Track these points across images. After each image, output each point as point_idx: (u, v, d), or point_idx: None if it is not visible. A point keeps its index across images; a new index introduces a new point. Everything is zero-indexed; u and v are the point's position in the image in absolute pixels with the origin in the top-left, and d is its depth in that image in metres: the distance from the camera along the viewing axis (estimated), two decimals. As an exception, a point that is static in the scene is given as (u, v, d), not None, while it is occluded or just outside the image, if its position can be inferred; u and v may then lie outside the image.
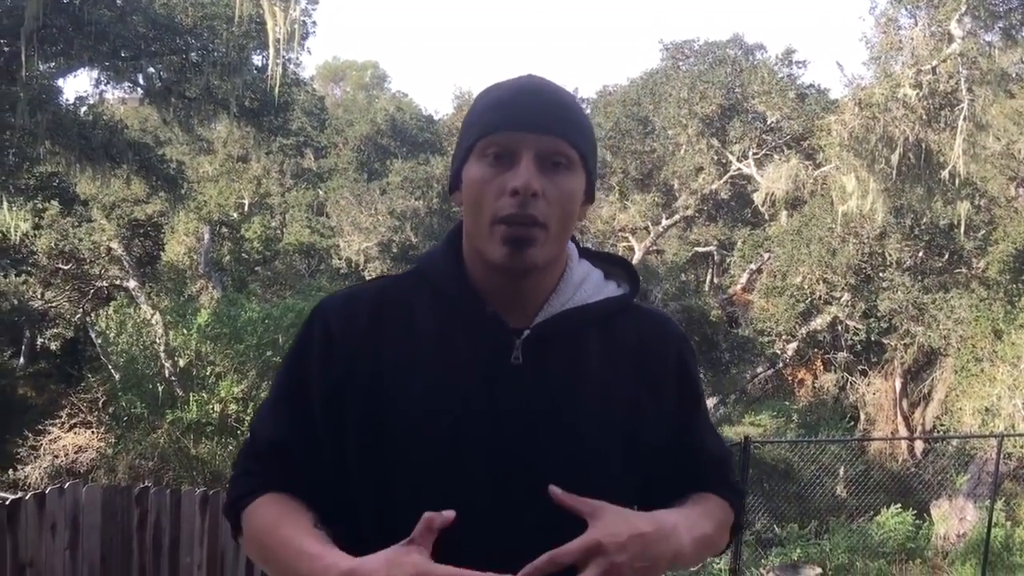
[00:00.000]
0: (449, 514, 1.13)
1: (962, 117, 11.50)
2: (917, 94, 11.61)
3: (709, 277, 21.22)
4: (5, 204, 13.63)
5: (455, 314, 1.29)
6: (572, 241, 1.36)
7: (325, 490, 1.29)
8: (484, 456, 1.23)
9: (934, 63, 11.66)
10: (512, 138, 1.24)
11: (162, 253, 20.17)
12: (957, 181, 12.07)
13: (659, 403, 1.32)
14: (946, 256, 15.46)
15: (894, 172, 11.93)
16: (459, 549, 1.13)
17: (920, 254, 15.15)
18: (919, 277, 15.10)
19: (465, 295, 1.29)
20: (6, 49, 11.48)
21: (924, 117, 11.75)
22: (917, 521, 9.84)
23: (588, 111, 21.82)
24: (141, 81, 13.78)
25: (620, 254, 16.93)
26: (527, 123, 1.24)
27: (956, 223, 14.15)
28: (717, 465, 1.41)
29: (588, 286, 1.34)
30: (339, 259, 20.46)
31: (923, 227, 14.88)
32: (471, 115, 1.31)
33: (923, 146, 11.90)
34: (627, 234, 18.36)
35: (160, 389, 14.23)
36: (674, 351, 1.37)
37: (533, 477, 1.21)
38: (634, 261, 17.32)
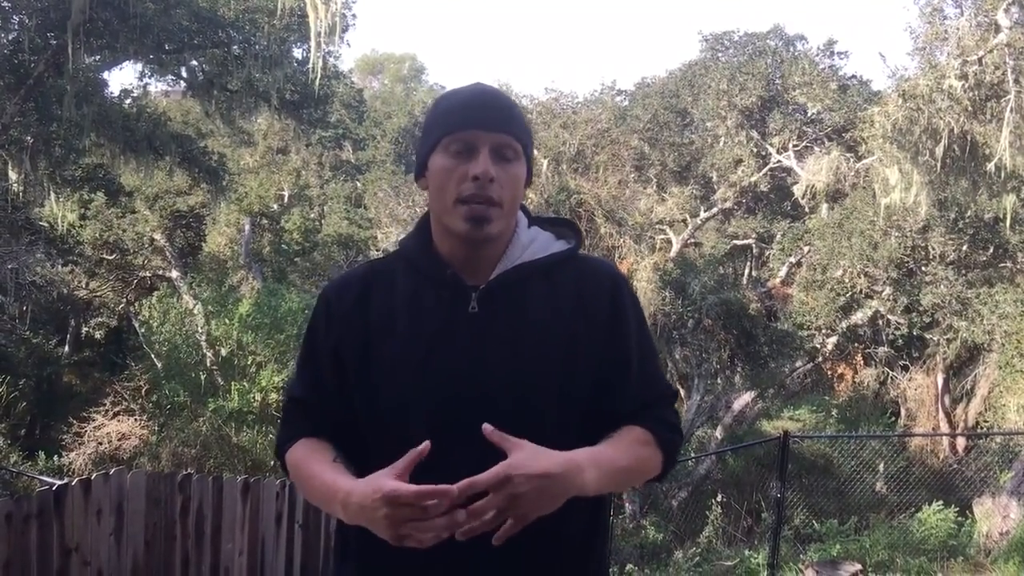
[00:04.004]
0: (425, 445, 1.41)
1: (1009, 109, 11.27)
2: (963, 85, 11.39)
3: (748, 270, 21.02)
4: (52, 195, 13.87)
5: (424, 277, 1.61)
6: (524, 212, 1.69)
7: (343, 431, 1.61)
8: (449, 384, 1.53)
9: (980, 54, 11.43)
10: (472, 135, 1.55)
11: (204, 244, 20.42)
12: (1003, 174, 11.81)
13: (592, 327, 1.61)
14: (991, 250, 15.17)
15: (938, 164, 11.72)
16: (430, 458, 1.42)
17: (964, 248, 14.87)
18: (963, 271, 14.83)
19: (431, 262, 1.61)
20: (53, 42, 11.67)
21: (970, 109, 11.52)
22: (959, 518, 9.70)
23: (626, 103, 21.71)
24: (184, 74, 13.95)
25: (660, 241, 16.81)
26: (484, 123, 1.56)
27: (1001, 216, 13.88)
28: (651, 399, 1.66)
29: (535, 246, 1.65)
30: (377, 250, 20.55)
31: (967, 220, 14.61)
32: (434, 116, 1.63)
33: (968, 138, 11.67)
34: (665, 226, 18.22)
35: (202, 378, 14.42)
36: (606, 283, 1.66)
37: (487, 400, 1.51)
38: (672, 254, 17.22)
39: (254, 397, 13.73)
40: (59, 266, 16.12)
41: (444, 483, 1.38)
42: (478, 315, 1.57)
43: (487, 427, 1.42)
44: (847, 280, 15.18)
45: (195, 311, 15.95)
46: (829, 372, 19.34)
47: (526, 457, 1.41)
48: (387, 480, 1.40)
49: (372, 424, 1.58)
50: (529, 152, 1.62)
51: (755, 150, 17.83)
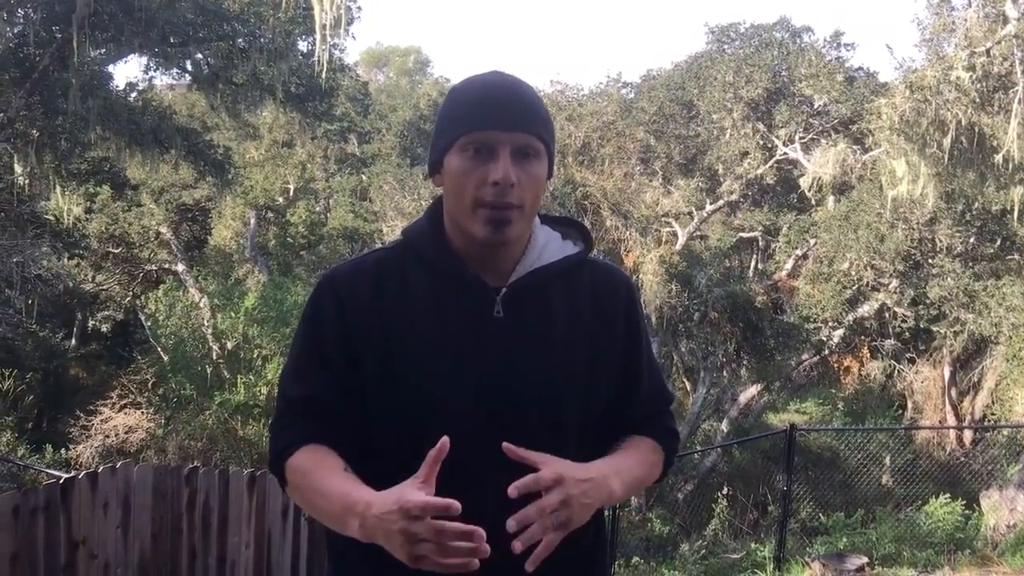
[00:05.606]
0: (444, 441, 1.32)
1: (1017, 100, 11.20)
2: (970, 77, 11.33)
3: (753, 263, 20.98)
4: (58, 188, 13.88)
5: (442, 277, 1.52)
6: None
7: (348, 434, 1.49)
8: (475, 392, 1.46)
9: (988, 45, 11.37)
10: (491, 136, 1.45)
11: (209, 237, 20.45)
12: (1011, 166, 11.76)
13: (611, 334, 1.59)
14: (998, 242, 15.12)
15: (946, 156, 11.66)
16: (456, 470, 1.35)
17: (971, 240, 14.82)
18: (970, 264, 14.78)
19: (449, 261, 1.52)
20: (58, 36, 11.66)
21: (977, 100, 11.46)
22: (966, 511, 9.68)
23: (632, 95, 21.63)
24: (189, 67, 13.91)
25: (664, 234, 16.79)
26: (503, 123, 1.45)
27: (1009, 209, 13.81)
28: (656, 408, 1.68)
29: (551, 247, 1.58)
30: (382, 244, 20.47)
31: (975, 213, 14.55)
32: (450, 110, 1.52)
33: (976, 130, 11.61)
34: (670, 219, 18.18)
35: (208, 371, 14.45)
36: (623, 291, 1.63)
37: (516, 408, 1.47)
38: (677, 247, 17.18)
39: (260, 390, 13.75)
40: (65, 259, 16.11)
41: (471, 496, 1.29)
42: (503, 320, 1.50)
43: (507, 445, 1.37)
44: (854, 273, 15.14)
45: (201, 304, 15.99)
46: (835, 365, 19.31)
47: (566, 465, 1.40)
48: (411, 490, 1.30)
49: (391, 426, 1.48)
50: (551, 148, 1.52)
51: (761, 142, 17.78)
